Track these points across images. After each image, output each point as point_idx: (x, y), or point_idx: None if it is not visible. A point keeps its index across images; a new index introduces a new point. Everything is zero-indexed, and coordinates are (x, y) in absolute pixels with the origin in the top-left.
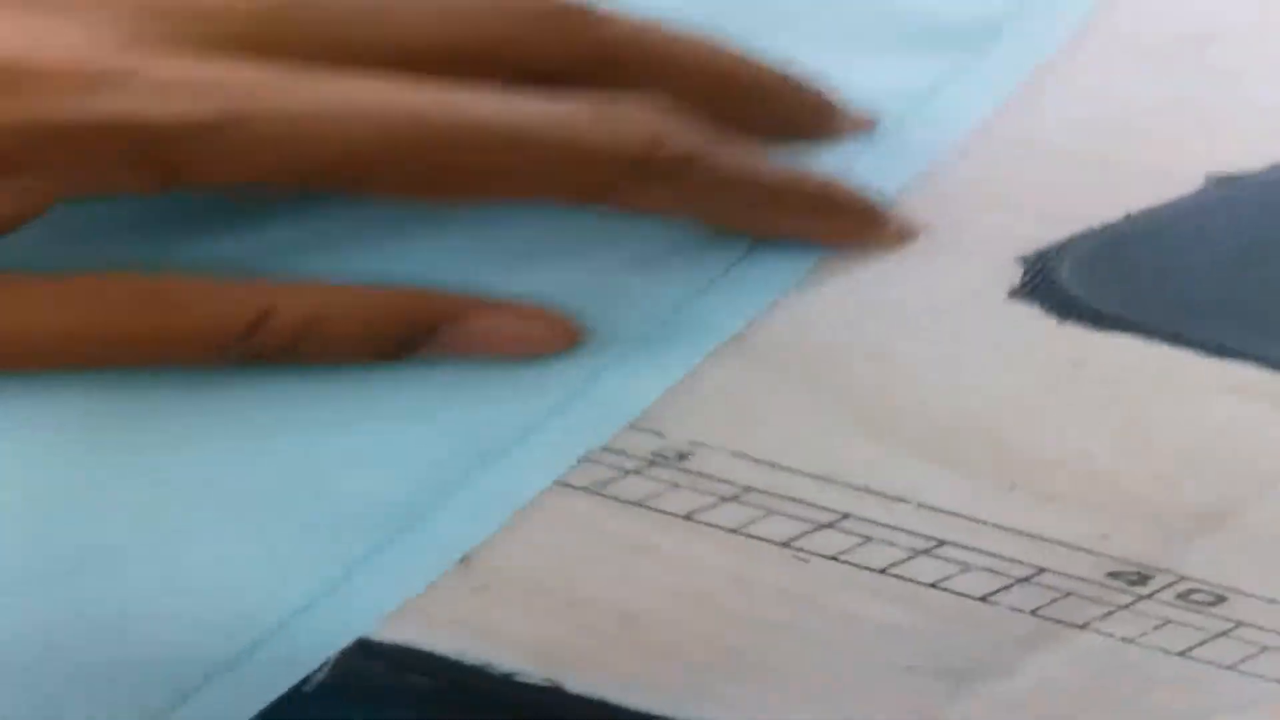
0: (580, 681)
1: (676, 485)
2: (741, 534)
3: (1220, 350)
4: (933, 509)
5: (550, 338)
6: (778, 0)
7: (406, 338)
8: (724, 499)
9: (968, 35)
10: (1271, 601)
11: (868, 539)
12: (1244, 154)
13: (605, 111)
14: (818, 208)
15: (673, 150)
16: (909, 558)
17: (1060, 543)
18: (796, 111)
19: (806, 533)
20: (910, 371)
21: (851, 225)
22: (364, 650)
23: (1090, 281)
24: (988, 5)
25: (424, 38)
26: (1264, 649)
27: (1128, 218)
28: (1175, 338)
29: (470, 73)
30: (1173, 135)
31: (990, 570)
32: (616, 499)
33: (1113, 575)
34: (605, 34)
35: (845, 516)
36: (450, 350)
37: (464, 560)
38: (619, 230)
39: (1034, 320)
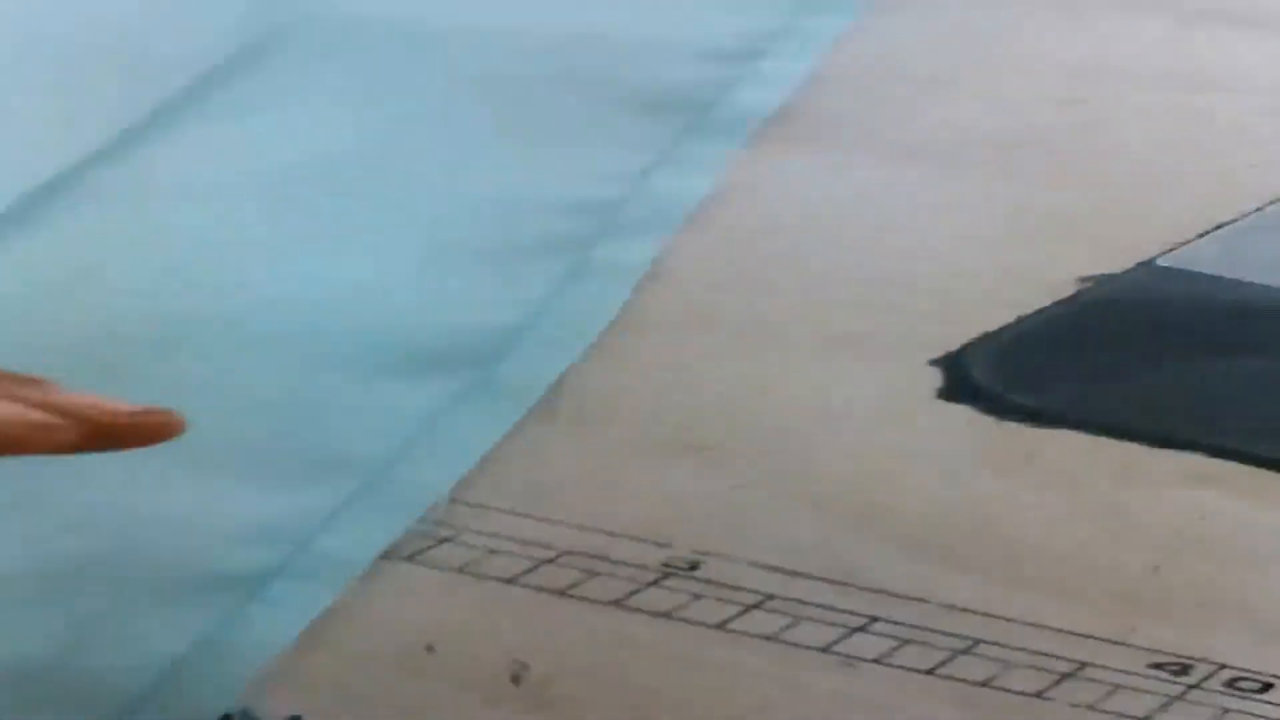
0: None
1: (698, 596)
2: (778, 641)
3: (1171, 442)
4: (955, 608)
5: None
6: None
7: None
8: (749, 607)
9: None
10: None
11: (904, 641)
12: (1107, 257)
13: None
14: None
15: None
16: (950, 658)
17: (1090, 636)
18: None
19: (842, 637)
20: (878, 471)
21: None
22: None
23: (1009, 380)
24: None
25: None
26: None
27: (1019, 320)
28: (1122, 432)
29: None
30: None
31: (1033, 667)
32: (643, 610)
33: (1154, 666)
34: None
35: (874, 620)
36: None
37: (516, 680)
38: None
39: (975, 420)
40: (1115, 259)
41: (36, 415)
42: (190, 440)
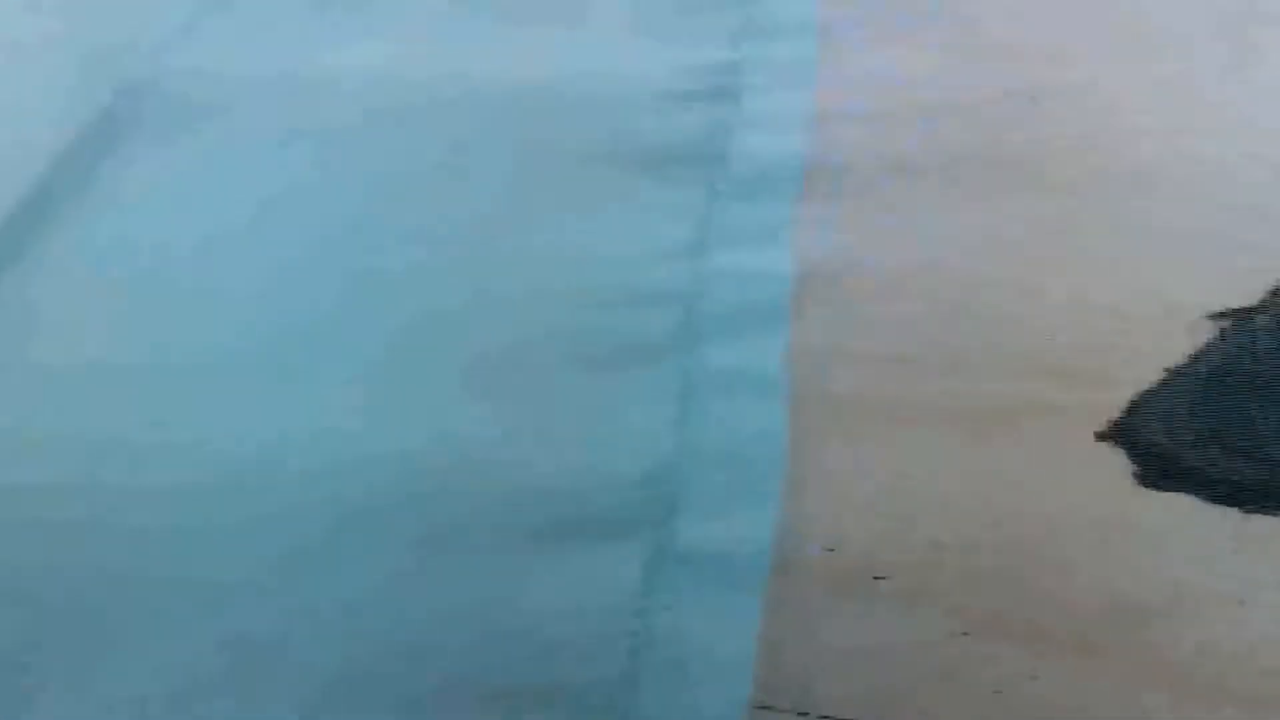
0: None
1: None
2: None
3: None
4: None
5: None
6: None
7: None
8: None
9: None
10: None
11: None
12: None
13: None
14: None
15: None
16: None
17: None
18: None
19: None
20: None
21: None
22: None
23: (1204, 452)
24: None
25: None
26: None
27: (1173, 377)
28: None
29: None
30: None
31: None
32: None
33: None
34: None
35: None
36: None
37: None
38: None
39: (1193, 506)
40: (1234, 287)
41: None
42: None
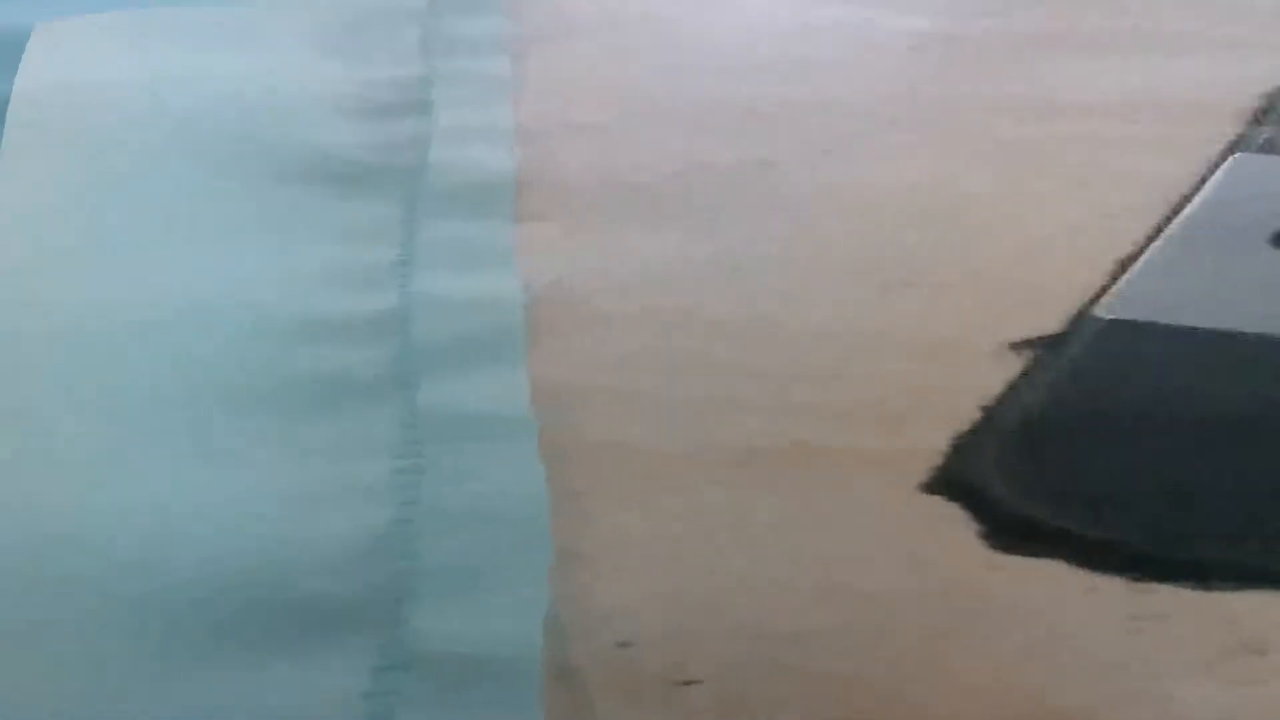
0: None
1: None
2: None
3: None
4: None
5: None
6: None
7: None
8: None
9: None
10: None
11: None
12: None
13: None
14: None
15: None
16: None
17: None
18: None
19: None
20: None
21: None
22: None
23: (1054, 506)
24: None
25: None
26: None
27: (989, 414)
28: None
29: None
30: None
31: None
32: None
33: None
34: None
35: None
36: None
37: None
38: None
39: (1107, 588)
40: (1031, 313)
41: None
42: None
